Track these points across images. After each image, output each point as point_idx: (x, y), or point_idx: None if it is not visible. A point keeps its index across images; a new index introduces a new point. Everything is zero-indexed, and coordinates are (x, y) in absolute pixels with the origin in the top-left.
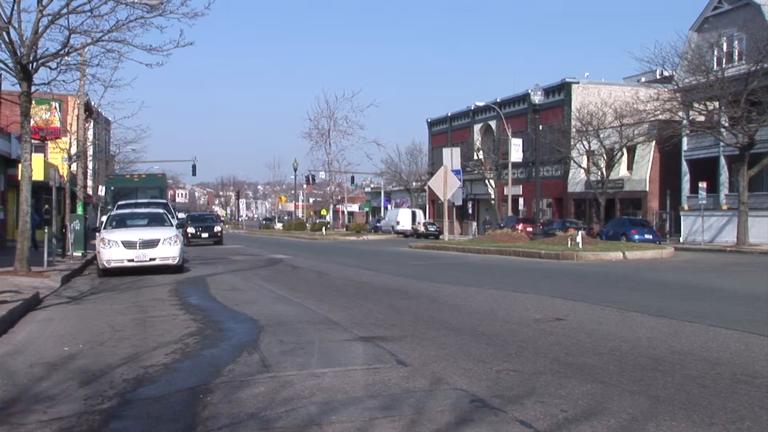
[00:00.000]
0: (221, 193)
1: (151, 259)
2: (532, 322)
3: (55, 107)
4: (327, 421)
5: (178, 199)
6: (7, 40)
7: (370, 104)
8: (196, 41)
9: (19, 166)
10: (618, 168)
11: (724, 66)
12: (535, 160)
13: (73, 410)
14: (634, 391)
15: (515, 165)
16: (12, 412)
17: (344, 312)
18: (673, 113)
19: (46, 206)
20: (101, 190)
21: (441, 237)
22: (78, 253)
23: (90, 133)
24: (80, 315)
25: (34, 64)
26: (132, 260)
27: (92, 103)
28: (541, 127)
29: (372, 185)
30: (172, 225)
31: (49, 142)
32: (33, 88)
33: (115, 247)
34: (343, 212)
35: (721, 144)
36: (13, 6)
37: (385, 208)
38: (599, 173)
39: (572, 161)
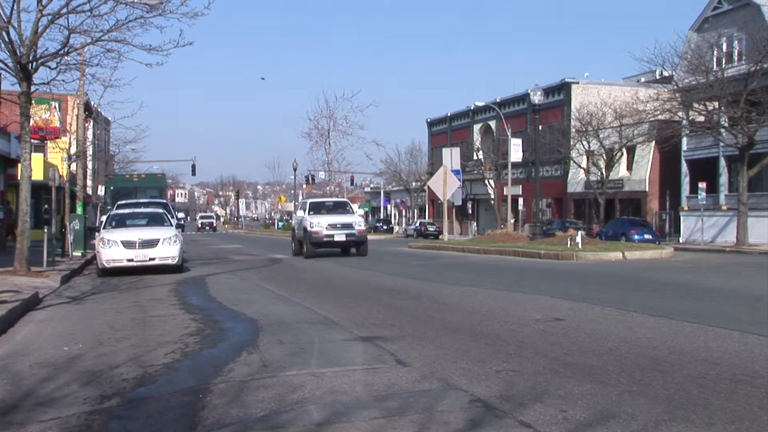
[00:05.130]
0: (221, 192)
1: (150, 259)
2: (531, 322)
3: (55, 107)
4: (326, 420)
5: (177, 199)
6: (6, 39)
7: (369, 104)
8: (196, 41)
9: (19, 165)
10: (618, 168)
11: (723, 66)
12: (534, 160)
13: (73, 410)
14: (633, 391)
15: (515, 165)
16: (11, 413)
17: (344, 312)
18: (673, 113)
19: (46, 206)
20: (101, 190)
21: (440, 237)
22: (78, 253)
23: (89, 133)
24: (80, 315)
25: (34, 63)
26: (131, 260)
27: (92, 102)
28: (540, 127)
29: (372, 185)
30: (171, 225)
31: (48, 141)
32: (33, 88)
33: (114, 247)
34: None
35: (721, 144)
36: (13, 6)
37: (384, 208)
38: (599, 173)
39: (572, 161)
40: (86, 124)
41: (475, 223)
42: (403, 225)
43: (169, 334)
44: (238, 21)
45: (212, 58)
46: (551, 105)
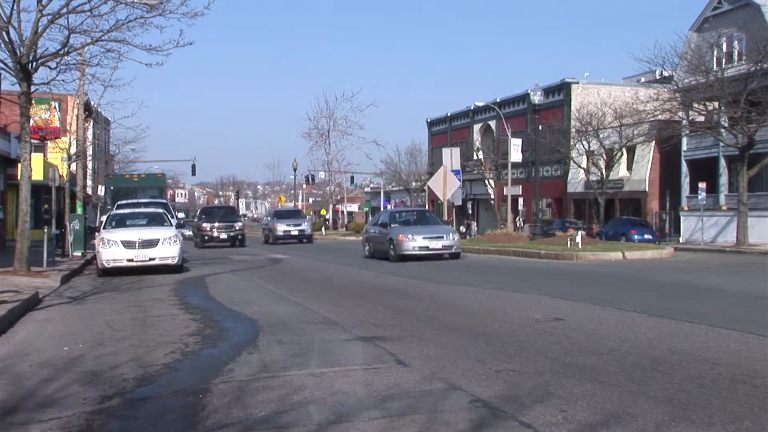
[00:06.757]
0: (221, 192)
1: (150, 259)
2: (531, 322)
3: (55, 107)
4: (327, 421)
5: (177, 199)
6: (6, 39)
7: (369, 104)
8: (196, 41)
9: (19, 165)
10: (618, 168)
11: (723, 66)
12: (534, 160)
13: (74, 411)
14: (633, 391)
15: (515, 165)
16: (12, 413)
17: (344, 312)
18: (673, 113)
19: (46, 206)
20: (101, 190)
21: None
22: (78, 253)
23: (89, 133)
24: (80, 315)
25: (34, 63)
26: (131, 260)
27: (92, 102)
28: (540, 127)
29: (372, 185)
30: (171, 225)
31: (48, 141)
32: (33, 88)
33: (114, 247)
34: (342, 212)
35: (721, 144)
36: (13, 6)
37: (384, 208)
38: (599, 173)
39: (572, 161)
40: (86, 124)
41: (475, 223)
42: None
43: (169, 334)
44: (238, 20)
45: (212, 58)
46: (551, 105)
